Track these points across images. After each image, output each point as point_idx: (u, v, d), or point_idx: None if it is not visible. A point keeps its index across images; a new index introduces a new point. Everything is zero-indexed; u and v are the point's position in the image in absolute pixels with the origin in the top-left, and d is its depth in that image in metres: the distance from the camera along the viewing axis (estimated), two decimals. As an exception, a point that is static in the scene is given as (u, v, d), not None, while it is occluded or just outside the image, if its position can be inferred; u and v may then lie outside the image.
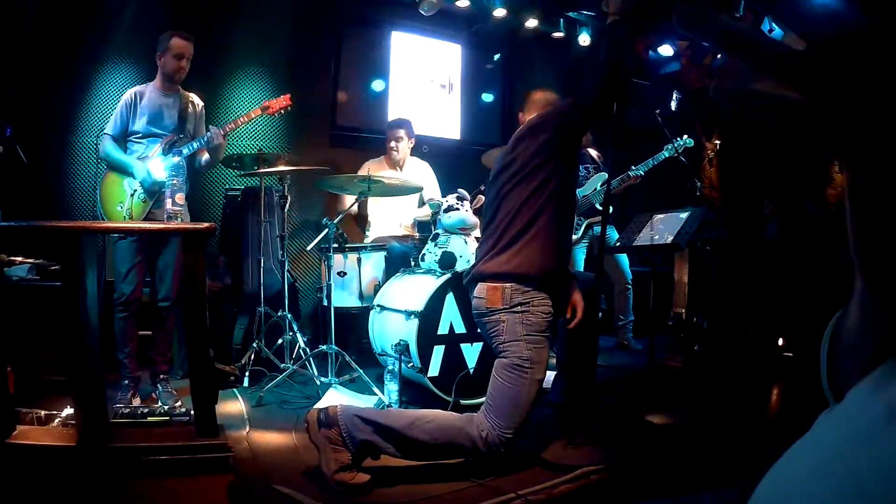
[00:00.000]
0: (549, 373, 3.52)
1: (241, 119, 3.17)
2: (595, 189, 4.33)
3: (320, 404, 2.89)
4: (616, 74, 2.10)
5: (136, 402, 2.88)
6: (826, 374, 0.51)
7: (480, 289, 2.24)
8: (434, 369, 2.99)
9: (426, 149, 4.81)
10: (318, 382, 3.12)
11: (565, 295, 2.32)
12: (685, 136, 4.33)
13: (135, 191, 2.94)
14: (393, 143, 4.23)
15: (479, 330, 2.38)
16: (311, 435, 2.09)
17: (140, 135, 3.00)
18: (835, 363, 0.51)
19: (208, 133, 3.06)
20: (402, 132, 4.24)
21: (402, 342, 2.98)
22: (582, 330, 2.45)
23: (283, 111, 3.35)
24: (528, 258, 2.16)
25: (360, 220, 4.43)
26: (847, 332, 0.49)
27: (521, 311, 2.15)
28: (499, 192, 2.28)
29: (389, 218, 4.28)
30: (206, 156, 3.16)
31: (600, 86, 2.12)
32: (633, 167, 4.29)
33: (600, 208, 4.30)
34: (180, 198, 2.34)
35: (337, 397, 2.99)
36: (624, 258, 4.58)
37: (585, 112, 2.19)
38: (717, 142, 5.56)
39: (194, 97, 3.18)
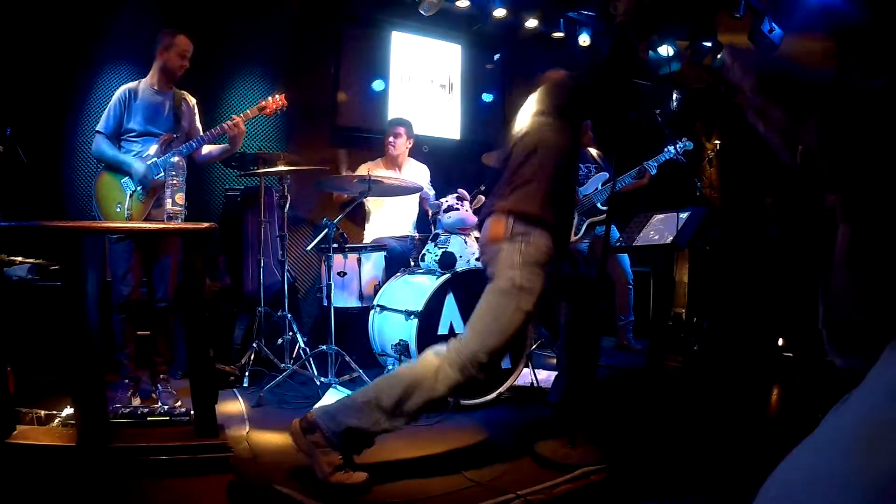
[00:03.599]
0: (548, 373, 3.53)
1: (241, 117, 3.17)
2: (596, 189, 4.33)
3: (320, 404, 2.90)
4: (615, 67, 2.18)
5: (136, 402, 2.88)
6: (823, 317, 0.55)
7: (486, 224, 2.31)
8: (434, 369, 2.98)
9: (426, 149, 4.81)
10: (318, 382, 3.12)
11: (569, 269, 2.34)
12: (685, 139, 4.33)
13: (133, 191, 2.94)
14: (391, 139, 4.25)
15: (481, 265, 2.43)
16: (298, 444, 2.09)
17: (136, 133, 2.99)
18: (830, 308, 0.55)
19: (216, 129, 3.07)
20: (401, 129, 4.26)
21: (401, 342, 2.98)
22: (585, 329, 2.47)
23: (279, 111, 3.35)
24: (530, 198, 2.24)
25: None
26: (836, 277, 0.53)
27: (519, 241, 2.20)
28: (513, 145, 2.38)
29: (389, 218, 4.29)
30: (210, 148, 3.16)
31: (599, 70, 2.25)
32: (644, 163, 4.30)
33: (602, 207, 4.31)
34: (180, 198, 2.34)
35: (337, 397, 2.99)
36: (625, 258, 4.58)
37: (584, 87, 2.33)
38: (717, 142, 5.56)
39: (187, 95, 3.17)
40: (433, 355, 2.13)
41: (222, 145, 3.20)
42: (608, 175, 4.41)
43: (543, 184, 2.26)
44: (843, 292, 0.53)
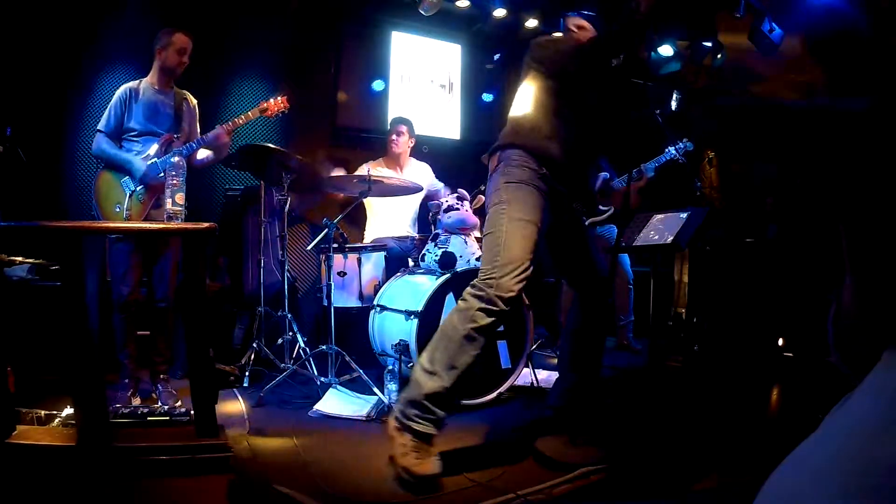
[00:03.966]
0: (549, 373, 3.52)
1: (241, 119, 3.16)
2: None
3: (320, 404, 2.90)
4: (611, 50, 2.31)
5: (136, 402, 2.88)
6: (833, 342, 0.55)
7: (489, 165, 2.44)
8: (434, 369, 2.98)
9: (426, 149, 4.81)
10: (318, 382, 3.12)
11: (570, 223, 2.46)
12: (685, 140, 4.33)
13: (133, 191, 2.93)
14: (394, 137, 4.27)
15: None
16: (389, 430, 2.13)
17: (136, 132, 2.98)
18: (840, 333, 0.55)
19: (214, 131, 3.05)
20: (403, 127, 4.28)
21: (402, 342, 2.98)
22: (592, 328, 2.49)
23: (280, 113, 3.34)
24: (513, 131, 2.39)
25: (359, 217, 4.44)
26: (846, 310, 0.53)
27: (503, 165, 2.34)
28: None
29: (389, 218, 4.29)
30: (204, 154, 3.15)
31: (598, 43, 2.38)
32: (642, 165, 4.29)
33: (602, 208, 4.33)
34: (180, 198, 2.34)
35: (337, 397, 2.99)
36: (625, 258, 4.59)
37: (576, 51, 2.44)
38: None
39: (188, 95, 3.17)
40: (466, 301, 2.20)
41: (211, 151, 3.18)
42: (609, 175, 4.42)
43: (525, 119, 2.38)
44: (850, 310, 0.54)
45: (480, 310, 2.11)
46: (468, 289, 2.19)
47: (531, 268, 2.20)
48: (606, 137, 2.52)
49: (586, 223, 4.33)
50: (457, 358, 2.10)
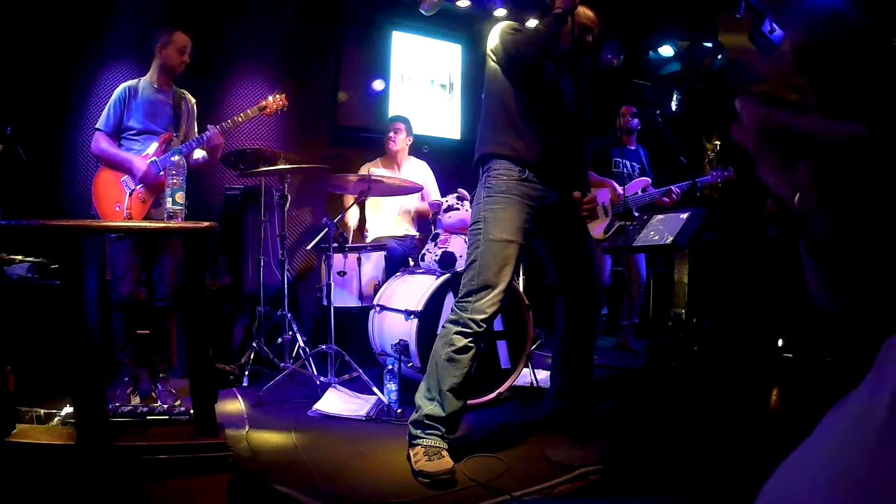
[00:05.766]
0: (548, 373, 3.52)
1: (239, 118, 3.15)
2: (636, 193, 4.37)
3: (320, 404, 2.90)
4: (539, 50, 2.27)
5: (136, 401, 2.88)
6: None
7: None
8: (434, 369, 2.98)
9: (426, 149, 4.80)
10: (318, 382, 3.12)
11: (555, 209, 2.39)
12: (729, 167, 4.37)
13: (133, 190, 2.93)
14: (391, 134, 4.26)
15: None
16: (407, 454, 2.23)
17: (135, 131, 2.98)
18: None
19: (207, 132, 3.05)
20: (401, 125, 4.27)
21: (401, 342, 2.98)
22: (578, 335, 2.49)
23: (279, 111, 3.33)
24: (485, 141, 2.43)
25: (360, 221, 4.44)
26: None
27: (485, 178, 2.36)
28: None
29: (389, 218, 4.29)
30: (200, 154, 3.15)
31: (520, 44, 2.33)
32: (672, 186, 4.31)
33: (636, 214, 4.36)
34: (180, 197, 2.33)
35: (336, 397, 2.99)
36: (642, 259, 4.59)
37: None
38: (717, 142, 5.56)
39: (187, 94, 3.17)
40: (449, 324, 2.28)
41: (205, 152, 3.17)
42: (650, 180, 4.46)
43: (490, 123, 2.39)
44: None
45: (457, 333, 2.22)
46: (450, 314, 2.29)
47: (507, 290, 2.26)
48: (584, 124, 2.48)
49: (615, 226, 4.35)
50: (444, 381, 2.21)
